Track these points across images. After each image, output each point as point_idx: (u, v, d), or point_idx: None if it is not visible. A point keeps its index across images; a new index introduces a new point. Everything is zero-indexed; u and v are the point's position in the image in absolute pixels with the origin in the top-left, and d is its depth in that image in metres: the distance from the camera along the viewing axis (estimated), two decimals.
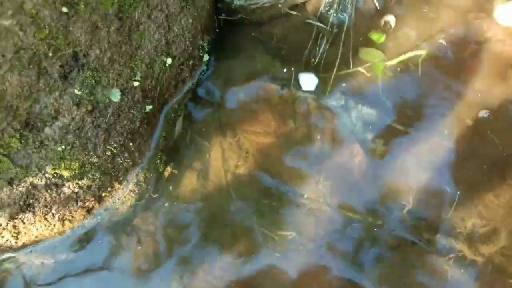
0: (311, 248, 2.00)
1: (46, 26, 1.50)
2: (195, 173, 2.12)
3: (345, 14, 2.37)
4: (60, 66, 1.58)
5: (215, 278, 1.95)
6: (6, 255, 1.88)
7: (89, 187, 1.86)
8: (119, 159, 1.92)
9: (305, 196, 2.07)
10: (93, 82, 1.70)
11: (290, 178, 2.11)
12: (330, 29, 2.36)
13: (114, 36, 1.73)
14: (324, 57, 2.33)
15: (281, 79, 2.29)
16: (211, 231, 2.04)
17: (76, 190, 1.82)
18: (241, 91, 2.28)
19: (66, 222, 1.89)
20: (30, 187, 1.69)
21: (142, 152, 2.03)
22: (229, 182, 2.10)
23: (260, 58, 2.35)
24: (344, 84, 2.28)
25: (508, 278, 1.94)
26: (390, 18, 2.36)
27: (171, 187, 2.09)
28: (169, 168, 2.12)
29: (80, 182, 1.82)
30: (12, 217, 1.71)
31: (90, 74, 1.68)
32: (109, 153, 1.85)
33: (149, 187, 2.06)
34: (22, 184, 1.66)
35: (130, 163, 1.98)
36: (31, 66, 1.51)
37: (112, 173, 1.92)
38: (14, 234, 1.79)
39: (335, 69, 2.28)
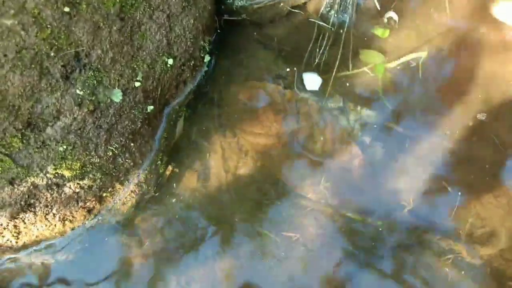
0: (311, 248, 2.00)
1: (48, 26, 1.50)
2: (195, 173, 2.12)
3: (345, 15, 2.37)
4: (62, 66, 1.58)
5: (215, 279, 1.96)
6: (7, 255, 1.88)
7: (90, 187, 1.86)
8: (120, 160, 1.91)
9: (306, 197, 2.08)
10: (95, 82, 1.70)
11: (290, 179, 2.12)
12: (332, 28, 2.36)
13: (116, 36, 1.73)
14: (324, 58, 2.33)
15: (284, 79, 2.29)
16: (212, 231, 2.04)
17: (77, 190, 1.82)
18: (242, 92, 2.28)
19: (66, 222, 1.89)
20: (31, 187, 1.69)
21: (143, 153, 2.03)
22: (229, 183, 2.11)
23: (261, 59, 2.36)
24: (344, 86, 2.28)
25: (507, 280, 1.95)
26: (393, 14, 2.37)
27: (171, 188, 2.09)
28: (170, 169, 2.12)
29: (81, 182, 1.81)
30: (13, 217, 1.71)
31: (92, 74, 1.68)
32: (110, 153, 1.85)
33: (149, 187, 2.06)
34: (23, 184, 1.66)
35: (131, 163, 1.98)
36: (33, 66, 1.51)
37: (113, 174, 1.92)
38: (15, 234, 1.78)
39: (334, 71, 2.29)
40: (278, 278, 1.96)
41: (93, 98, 1.71)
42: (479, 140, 2.16)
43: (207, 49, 2.24)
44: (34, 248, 1.90)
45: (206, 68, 2.29)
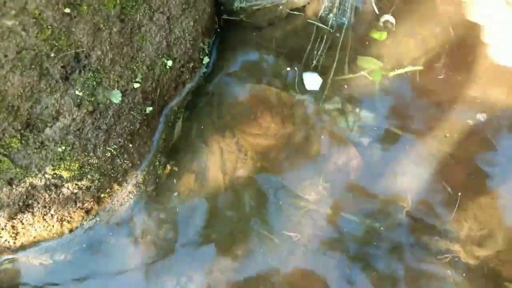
0: (309, 249, 2.01)
1: (49, 27, 1.51)
2: (194, 174, 2.12)
3: (344, 18, 2.39)
4: (62, 67, 1.59)
5: (213, 279, 1.96)
6: (5, 255, 1.87)
7: (88, 188, 1.86)
8: (119, 161, 1.92)
9: (304, 198, 2.09)
10: (94, 83, 1.70)
11: (289, 179, 2.12)
12: (330, 30, 2.38)
13: (116, 37, 1.73)
14: (323, 60, 2.34)
15: (284, 79, 2.31)
16: (210, 232, 2.04)
17: (75, 191, 1.82)
18: (240, 93, 2.29)
19: (65, 223, 1.88)
20: (29, 188, 1.69)
21: (141, 154, 2.03)
22: (228, 184, 2.11)
23: (260, 61, 2.37)
24: (342, 88, 2.30)
25: (503, 280, 1.97)
26: (390, 18, 2.38)
27: (170, 189, 2.09)
28: (168, 170, 2.12)
29: (79, 183, 1.81)
30: (11, 218, 1.71)
31: (92, 75, 1.68)
32: (109, 154, 1.85)
33: (148, 188, 2.06)
34: (22, 184, 1.66)
35: (130, 164, 1.98)
36: (33, 66, 1.51)
37: (112, 174, 1.92)
38: (13, 235, 1.78)
39: (331, 74, 2.30)
40: (277, 278, 1.96)
41: (92, 99, 1.71)
42: (478, 143, 2.18)
43: (206, 51, 2.25)
44: (32, 248, 1.90)
45: (205, 70, 2.29)
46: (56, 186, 1.76)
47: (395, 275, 1.98)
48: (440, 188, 2.10)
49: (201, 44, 2.20)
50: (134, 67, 1.85)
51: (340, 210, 2.07)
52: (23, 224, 1.76)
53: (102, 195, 1.95)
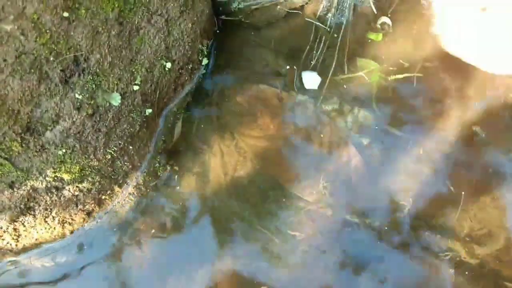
0: (310, 249, 2.01)
1: (48, 31, 1.52)
2: (194, 176, 2.13)
3: (343, 18, 2.39)
4: (61, 70, 1.60)
5: (215, 279, 1.97)
6: (7, 257, 1.89)
7: (89, 190, 1.87)
8: (119, 163, 1.93)
9: (304, 198, 2.09)
10: (94, 86, 1.71)
11: (288, 180, 2.13)
12: (329, 30, 2.38)
13: (115, 40, 1.74)
14: (321, 60, 2.35)
15: (283, 78, 2.31)
16: (210, 233, 2.05)
17: (76, 193, 1.84)
18: (240, 94, 2.29)
19: (66, 225, 1.90)
20: (30, 190, 1.70)
21: (141, 156, 2.04)
22: (228, 185, 2.12)
23: (259, 61, 2.37)
24: (341, 88, 2.30)
25: (503, 280, 1.97)
26: (387, 20, 2.39)
27: (170, 190, 2.10)
28: (168, 171, 2.13)
29: (80, 185, 1.83)
30: (13, 220, 1.72)
31: (91, 78, 1.69)
32: (109, 156, 1.86)
33: (148, 190, 2.07)
34: (23, 187, 1.67)
35: (130, 166, 1.99)
36: (32, 70, 1.52)
37: (112, 176, 1.93)
38: (15, 237, 1.80)
39: (330, 73, 2.30)
40: (277, 278, 1.97)
41: (92, 102, 1.72)
42: (478, 143, 2.18)
43: (205, 52, 2.26)
44: (34, 251, 1.91)
45: (204, 71, 2.30)
46: (57, 188, 1.77)
47: (396, 274, 1.99)
48: (441, 187, 2.11)
49: (200, 46, 2.21)
50: (133, 70, 1.86)
51: (341, 209, 2.08)
52: (25, 226, 1.78)
53: (103, 197, 1.96)
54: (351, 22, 2.41)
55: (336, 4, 2.36)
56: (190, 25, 2.05)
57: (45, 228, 1.84)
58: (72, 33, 1.60)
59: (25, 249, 1.88)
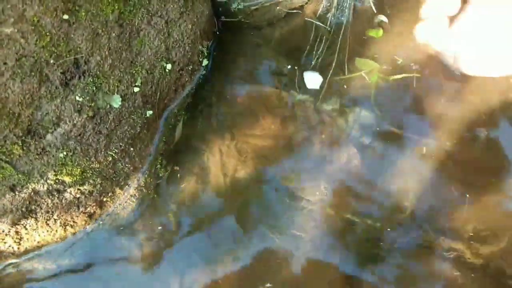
0: (311, 249, 2.01)
1: (48, 34, 1.52)
2: (195, 176, 2.13)
3: (343, 18, 2.39)
4: (62, 73, 1.60)
5: (216, 280, 1.97)
6: (9, 260, 1.89)
7: (90, 192, 1.87)
8: (120, 164, 1.93)
9: (306, 198, 2.09)
10: (94, 88, 1.71)
11: (289, 180, 2.13)
12: (329, 29, 2.38)
13: (115, 42, 1.74)
14: (322, 59, 2.34)
15: (284, 78, 2.31)
16: (213, 233, 2.05)
17: (78, 195, 1.84)
18: (240, 94, 2.29)
19: (68, 227, 1.90)
20: (32, 193, 1.70)
21: (142, 157, 2.04)
22: (228, 185, 2.12)
23: (259, 61, 2.37)
24: (341, 88, 2.30)
25: (507, 279, 1.96)
26: (383, 18, 2.39)
27: (171, 191, 2.10)
28: (169, 172, 2.13)
29: (81, 188, 1.83)
30: (14, 223, 1.72)
31: (91, 80, 1.69)
32: (110, 158, 1.86)
33: (149, 191, 2.07)
34: (24, 190, 1.67)
35: (131, 168, 1.99)
36: (32, 73, 1.52)
37: (113, 178, 1.93)
38: (17, 240, 1.80)
39: (329, 74, 2.30)
40: (278, 279, 1.97)
41: (93, 104, 1.72)
42: (481, 143, 2.17)
43: (205, 53, 2.26)
44: (36, 253, 1.92)
45: (204, 72, 2.30)
46: (58, 191, 1.77)
47: (398, 275, 1.98)
48: (443, 188, 2.10)
49: (200, 47, 2.20)
50: (134, 71, 1.85)
51: (342, 210, 2.07)
52: (26, 229, 1.78)
53: (105, 199, 1.96)
54: (352, 21, 2.40)
55: (336, 3, 2.36)
56: (190, 26, 2.05)
57: (47, 231, 1.84)
58: (72, 36, 1.59)
59: (26, 252, 1.89)
